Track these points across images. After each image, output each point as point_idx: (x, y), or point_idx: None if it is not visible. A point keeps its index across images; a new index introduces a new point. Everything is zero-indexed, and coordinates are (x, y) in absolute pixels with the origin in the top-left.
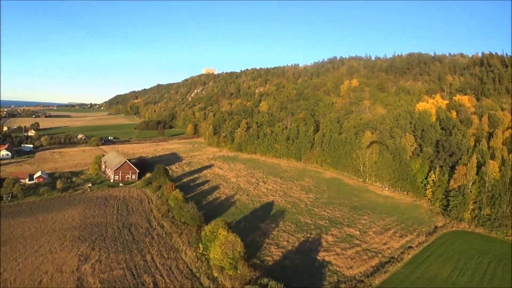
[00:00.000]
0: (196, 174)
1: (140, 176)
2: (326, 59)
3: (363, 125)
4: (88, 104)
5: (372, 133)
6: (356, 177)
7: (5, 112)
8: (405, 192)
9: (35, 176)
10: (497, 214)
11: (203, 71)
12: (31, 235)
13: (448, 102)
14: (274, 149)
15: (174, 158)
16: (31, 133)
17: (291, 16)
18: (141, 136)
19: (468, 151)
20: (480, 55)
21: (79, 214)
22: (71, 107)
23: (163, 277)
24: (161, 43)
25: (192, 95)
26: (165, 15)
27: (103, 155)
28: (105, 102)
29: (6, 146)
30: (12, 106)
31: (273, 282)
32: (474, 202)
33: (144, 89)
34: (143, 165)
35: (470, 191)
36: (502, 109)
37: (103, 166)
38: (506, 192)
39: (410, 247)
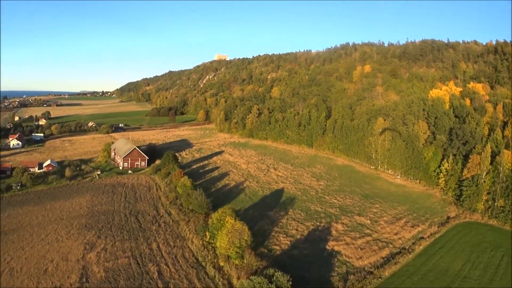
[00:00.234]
0: (206, 161)
1: (149, 163)
2: (338, 45)
3: (375, 111)
4: (100, 92)
5: (385, 120)
6: (368, 165)
7: (17, 102)
8: (417, 181)
9: (44, 165)
10: (511, 206)
11: (215, 57)
12: (39, 223)
13: (461, 89)
14: (285, 135)
15: (184, 144)
16: (42, 122)
17: (303, 1)
18: (152, 123)
19: (482, 140)
20: (494, 42)
21: (86, 202)
22: (83, 95)
23: (168, 266)
24: (173, 29)
25: (204, 82)
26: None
27: (113, 143)
28: (117, 89)
29: (17, 135)
30: (24, 96)
31: (279, 273)
32: (488, 193)
33: (156, 76)
34: (153, 152)
35: (484, 181)
36: None
37: (113, 154)
38: None
39: (422, 238)
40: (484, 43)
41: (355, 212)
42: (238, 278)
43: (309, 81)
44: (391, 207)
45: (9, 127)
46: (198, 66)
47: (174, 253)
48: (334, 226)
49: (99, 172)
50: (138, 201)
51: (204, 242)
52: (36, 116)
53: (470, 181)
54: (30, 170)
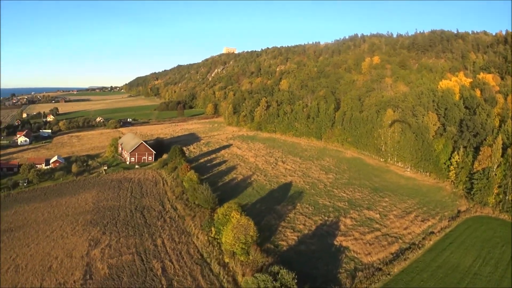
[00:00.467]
0: (214, 154)
1: (157, 157)
2: (347, 37)
3: (384, 103)
4: (108, 87)
5: (394, 111)
6: (377, 157)
7: (25, 99)
8: (427, 173)
9: (51, 161)
10: None
11: (224, 51)
12: (44, 220)
13: (471, 80)
14: (294, 128)
15: (192, 138)
16: (50, 118)
17: None
18: (160, 117)
19: (493, 131)
20: (504, 33)
21: (92, 198)
22: (91, 90)
23: (172, 263)
24: (182, 22)
25: (212, 75)
26: None
27: (120, 137)
28: (126, 84)
29: (25, 132)
30: (32, 92)
31: (284, 270)
32: (499, 186)
33: (165, 70)
34: (160, 146)
35: (495, 174)
36: None
37: (120, 148)
38: None
39: (432, 232)
40: (494, 34)
41: (364, 206)
42: (243, 275)
43: (317, 73)
44: (401, 201)
45: (17, 124)
46: (206, 60)
47: (179, 249)
48: (342, 221)
49: (105, 167)
50: (144, 196)
51: (210, 237)
52: (44, 112)
53: (481, 174)
54: (36, 167)
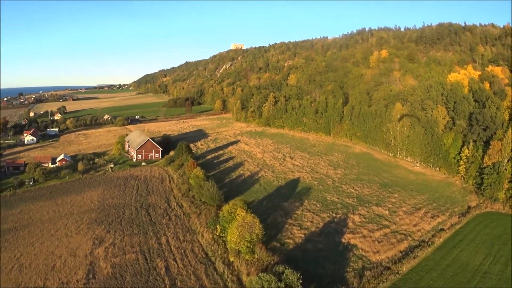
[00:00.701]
0: (221, 151)
1: (164, 154)
2: (355, 31)
3: (393, 96)
4: (117, 85)
5: (403, 105)
6: (386, 152)
7: (32, 98)
8: (437, 168)
9: (57, 160)
10: None
11: (231, 47)
12: (49, 219)
13: (480, 73)
14: (302, 123)
15: (200, 134)
16: (57, 117)
17: None
18: (169, 114)
19: (502, 125)
20: None
21: (98, 196)
22: (99, 88)
23: (176, 262)
24: (190, 19)
25: (220, 71)
26: None
27: (127, 135)
28: (134, 81)
29: (31, 131)
30: (40, 92)
31: (289, 270)
32: (510, 181)
33: (173, 67)
34: (167, 143)
35: (505, 169)
36: None
37: (127, 146)
38: None
39: (442, 229)
40: (502, 26)
41: (373, 202)
42: (248, 275)
43: (325, 67)
44: (410, 197)
45: (24, 123)
46: (214, 56)
47: (183, 247)
48: (350, 218)
49: (112, 165)
50: (150, 194)
51: (215, 236)
52: (51, 111)
53: (491, 168)
54: (42, 166)
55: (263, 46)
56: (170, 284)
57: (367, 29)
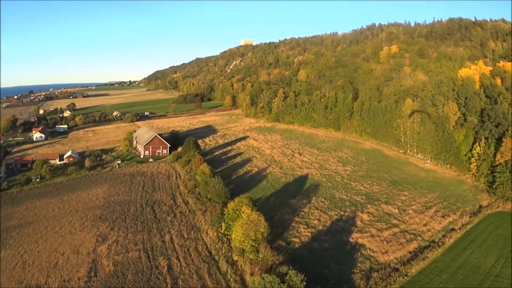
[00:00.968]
0: (230, 147)
1: (172, 150)
2: (364, 26)
3: (403, 92)
4: (127, 82)
5: (413, 101)
6: (396, 148)
7: (42, 96)
8: (448, 166)
9: (65, 156)
10: None
11: (242, 43)
12: (54, 216)
13: (491, 68)
14: (312, 118)
15: (209, 130)
16: (67, 114)
17: None
18: (178, 110)
19: None
20: None
21: (103, 193)
22: (110, 85)
23: (179, 260)
24: (200, 14)
25: (230, 67)
26: None
27: (135, 131)
28: (144, 78)
29: (40, 128)
30: (51, 89)
31: (293, 271)
32: None
33: (183, 63)
34: (175, 139)
35: None
36: None
37: (134, 142)
38: None
39: (453, 229)
40: None
41: (382, 200)
42: (252, 275)
43: (335, 62)
44: (421, 195)
45: (33, 120)
46: (224, 52)
47: (187, 245)
48: (359, 216)
49: (119, 162)
50: (156, 191)
51: (219, 233)
52: (61, 108)
53: (503, 166)
54: (50, 162)
55: (273, 42)
56: (172, 283)
57: (377, 25)
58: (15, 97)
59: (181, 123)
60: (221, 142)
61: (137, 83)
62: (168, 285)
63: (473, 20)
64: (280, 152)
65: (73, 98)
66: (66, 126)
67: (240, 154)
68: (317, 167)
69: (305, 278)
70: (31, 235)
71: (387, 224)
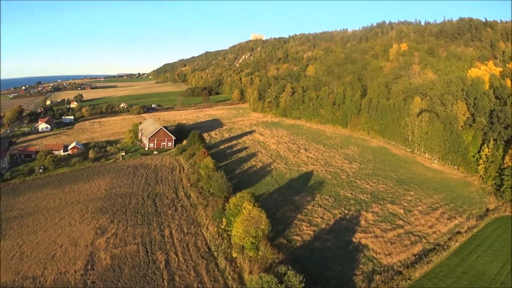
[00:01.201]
0: (235, 141)
1: (177, 143)
2: (375, 24)
3: (412, 90)
4: (136, 74)
5: (422, 99)
6: (404, 147)
7: (50, 87)
8: (455, 166)
9: (69, 147)
10: None
11: (251, 37)
12: (55, 207)
13: (501, 69)
14: (319, 114)
15: (215, 124)
16: (74, 105)
17: None
18: (185, 103)
19: None
20: None
21: (105, 185)
22: (118, 77)
23: (177, 255)
24: (210, 9)
25: (239, 61)
26: None
27: (141, 123)
28: (153, 71)
29: (46, 119)
30: (59, 80)
31: (292, 272)
32: None
33: (193, 57)
34: (181, 132)
35: None
36: None
37: (140, 134)
38: None
39: (459, 232)
40: None
41: (387, 200)
42: (250, 273)
43: (344, 59)
44: (427, 195)
45: (39, 111)
46: (234, 46)
47: (186, 240)
48: (363, 215)
49: (123, 153)
50: (158, 183)
51: (220, 229)
52: (68, 99)
53: (511, 170)
54: (54, 153)
55: (282, 37)
56: (168, 279)
57: (387, 23)
58: (23, 87)
59: (188, 116)
60: (227, 136)
61: (146, 75)
62: (165, 281)
63: (484, 20)
64: (286, 147)
65: (81, 89)
66: (72, 117)
67: (245, 148)
68: (322, 163)
69: (304, 279)
70: (31, 226)
71: (392, 224)
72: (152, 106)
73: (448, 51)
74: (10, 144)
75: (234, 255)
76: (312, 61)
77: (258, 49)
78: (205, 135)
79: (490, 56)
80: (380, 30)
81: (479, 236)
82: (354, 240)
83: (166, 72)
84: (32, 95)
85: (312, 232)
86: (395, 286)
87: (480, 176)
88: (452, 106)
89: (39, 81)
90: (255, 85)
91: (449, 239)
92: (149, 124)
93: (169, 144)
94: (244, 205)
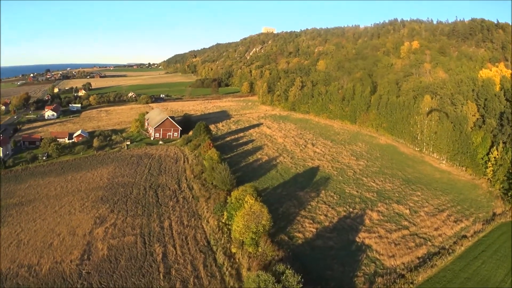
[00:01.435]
0: (242, 133)
1: (183, 133)
2: (387, 21)
3: (422, 88)
4: (146, 64)
5: (432, 98)
6: (412, 146)
7: (59, 75)
8: (463, 168)
9: (74, 135)
10: None
11: (263, 30)
12: (56, 195)
13: None
14: (328, 109)
15: (223, 115)
16: (81, 93)
17: None
18: (194, 94)
19: None
20: None
21: (108, 173)
22: (128, 67)
23: (175, 248)
24: (222, 1)
25: (250, 54)
26: None
27: (147, 112)
28: (164, 61)
29: (53, 107)
30: (68, 68)
31: (290, 271)
32: None
33: (204, 48)
34: (188, 123)
35: None
36: None
37: (146, 124)
38: None
39: (465, 236)
40: None
41: (393, 199)
42: (249, 269)
43: (355, 54)
44: (434, 196)
45: (46, 98)
46: (245, 39)
47: (185, 233)
48: (368, 214)
49: (128, 143)
50: (161, 174)
51: (220, 223)
52: (76, 87)
53: None
54: (58, 141)
55: (294, 31)
56: (164, 272)
57: (399, 20)
58: (31, 75)
59: (196, 107)
60: (233, 128)
61: (156, 65)
62: (161, 274)
63: (496, 22)
64: (293, 141)
65: (90, 78)
66: (79, 105)
67: (251, 141)
68: (329, 159)
69: (303, 279)
70: (30, 213)
71: (397, 225)
72: (161, 96)
73: (459, 51)
74: (15, 131)
75: (233, 250)
76: (323, 55)
77: (269, 42)
78: (212, 126)
79: (501, 58)
80: (392, 27)
81: (485, 241)
82: (357, 239)
83: (176, 62)
84: (40, 82)
85: (315, 230)
86: None
87: (488, 179)
88: (462, 106)
89: (47, 69)
90: (264, 78)
91: (454, 242)
92: (156, 114)
93: (175, 134)
94: (246, 199)
